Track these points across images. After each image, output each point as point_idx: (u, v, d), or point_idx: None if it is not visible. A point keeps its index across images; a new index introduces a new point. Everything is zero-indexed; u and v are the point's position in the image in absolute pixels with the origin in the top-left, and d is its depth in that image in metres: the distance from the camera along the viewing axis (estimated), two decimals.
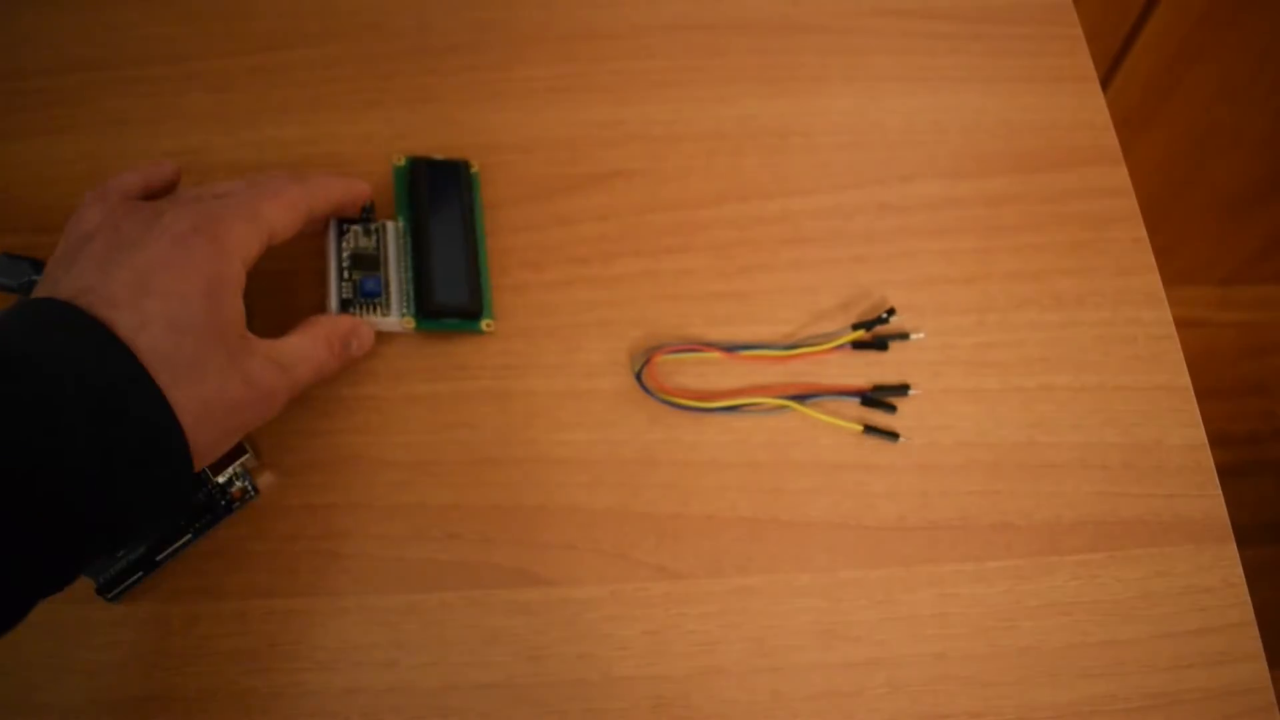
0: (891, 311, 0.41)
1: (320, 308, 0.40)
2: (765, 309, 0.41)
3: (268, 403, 0.33)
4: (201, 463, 0.31)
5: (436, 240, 0.40)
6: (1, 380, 0.27)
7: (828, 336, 0.41)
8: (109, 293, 0.30)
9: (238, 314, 0.33)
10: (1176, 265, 1.04)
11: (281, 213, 0.35)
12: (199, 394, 0.30)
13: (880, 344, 0.40)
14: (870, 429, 0.39)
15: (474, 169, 0.43)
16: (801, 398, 0.39)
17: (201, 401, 0.30)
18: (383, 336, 0.40)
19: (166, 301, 0.30)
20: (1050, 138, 0.45)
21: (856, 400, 0.40)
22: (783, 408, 0.39)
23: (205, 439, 0.31)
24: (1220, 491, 0.39)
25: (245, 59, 0.45)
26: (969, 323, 0.42)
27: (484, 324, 0.40)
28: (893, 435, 0.39)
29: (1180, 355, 0.41)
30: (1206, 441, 0.40)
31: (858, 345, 0.40)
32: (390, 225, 0.41)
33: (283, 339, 0.35)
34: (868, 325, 0.40)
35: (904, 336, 0.41)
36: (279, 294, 0.41)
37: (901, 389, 0.40)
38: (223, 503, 0.37)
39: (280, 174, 0.37)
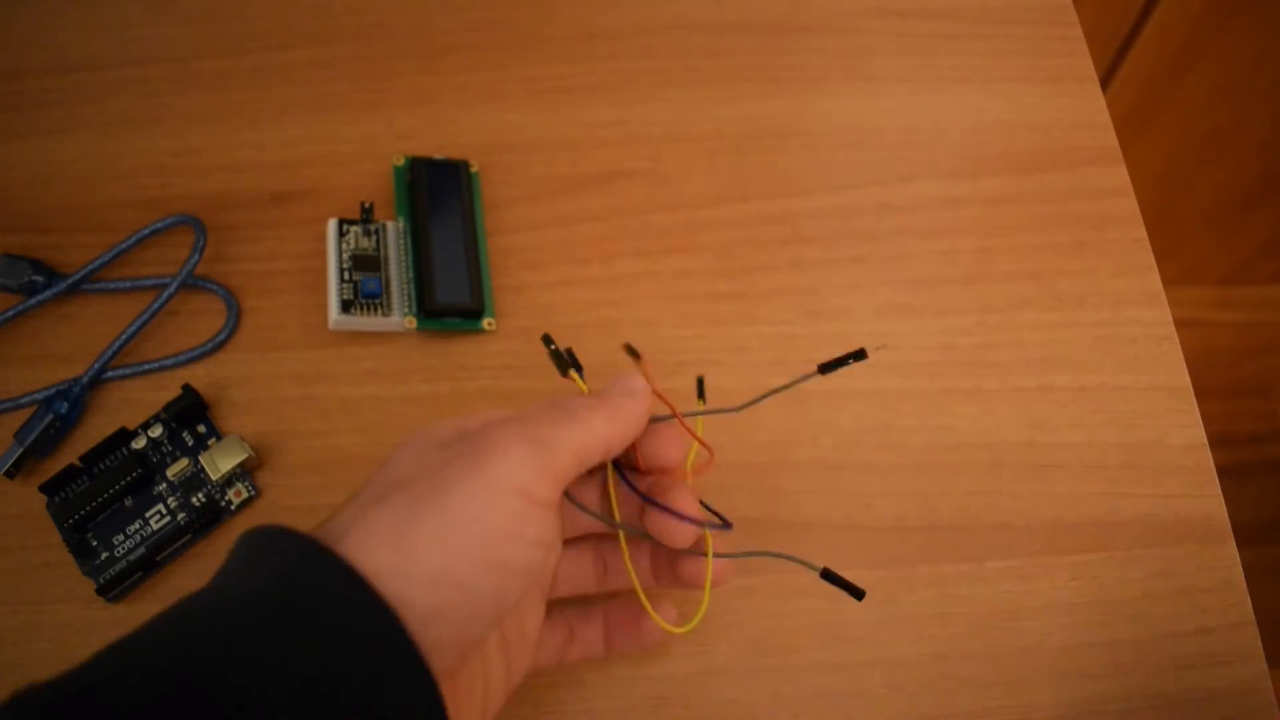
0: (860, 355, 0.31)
1: (321, 308, 0.40)
2: (765, 309, 0.41)
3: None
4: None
5: (437, 240, 0.40)
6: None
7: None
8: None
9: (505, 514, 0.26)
10: (1176, 265, 1.04)
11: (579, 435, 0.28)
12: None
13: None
14: (832, 581, 0.31)
15: (474, 169, 0.43)
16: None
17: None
18: (383, 336, 0.40)
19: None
20: (1050, 138, 0.45)
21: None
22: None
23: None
24: (1220, 491, 0.39)
25: (245, 59, 0.45)
26: (969, 323, 0.42)
27: (485, 323, 0.40)
28: (858, 593, 0.30)
29: (1180, 355, 0.41)
30: (1206, 441, 0.40)
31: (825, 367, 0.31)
32: (390, 225, 0.41)
33: None
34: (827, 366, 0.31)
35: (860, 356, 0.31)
36: (280, 294, 0.41)
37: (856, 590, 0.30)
38: (222, 503, 0.37)
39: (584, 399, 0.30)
